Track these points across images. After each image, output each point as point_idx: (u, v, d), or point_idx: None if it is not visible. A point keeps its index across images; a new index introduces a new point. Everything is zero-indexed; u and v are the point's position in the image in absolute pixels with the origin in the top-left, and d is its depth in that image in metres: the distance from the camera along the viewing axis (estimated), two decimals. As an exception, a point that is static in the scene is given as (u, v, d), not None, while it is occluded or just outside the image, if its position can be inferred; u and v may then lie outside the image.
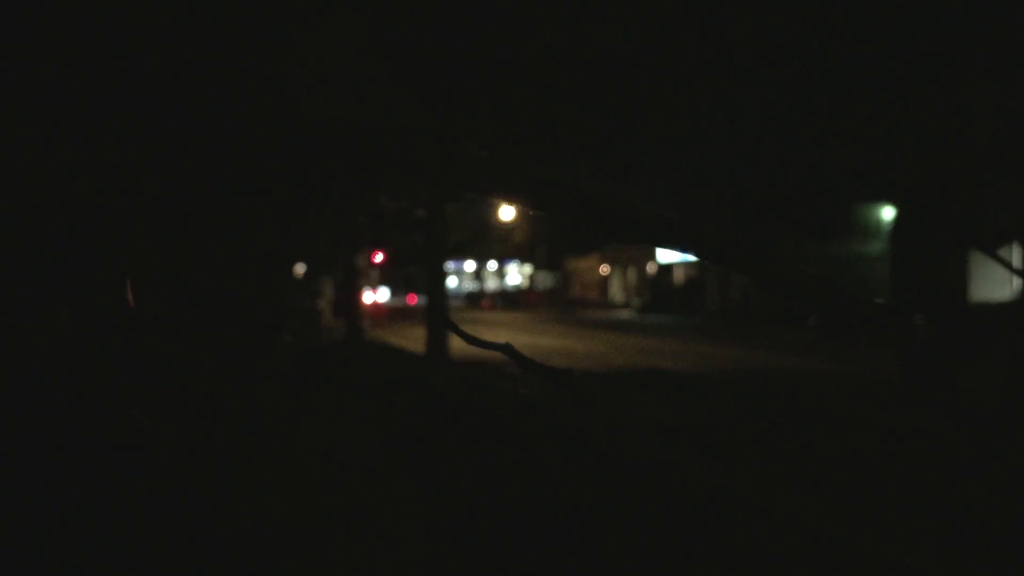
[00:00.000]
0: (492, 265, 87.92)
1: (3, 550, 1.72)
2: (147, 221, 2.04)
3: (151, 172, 2.10)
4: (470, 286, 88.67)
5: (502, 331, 34.35)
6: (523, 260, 78.23)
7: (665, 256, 56.30)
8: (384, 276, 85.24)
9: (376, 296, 69.03)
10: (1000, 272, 31.13)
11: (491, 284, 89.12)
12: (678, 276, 55.70)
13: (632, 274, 64.56)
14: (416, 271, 43.02)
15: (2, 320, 1.77)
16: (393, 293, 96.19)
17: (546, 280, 79.09)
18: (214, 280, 2.66)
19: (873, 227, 38.74)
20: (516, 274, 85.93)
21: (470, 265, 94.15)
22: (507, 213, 60.90)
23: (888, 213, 37.33)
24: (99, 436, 1.89)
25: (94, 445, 1.88)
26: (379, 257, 33.91)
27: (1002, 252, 31.11)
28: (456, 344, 19.03)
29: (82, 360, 1.89)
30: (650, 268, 59.70)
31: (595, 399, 2.01)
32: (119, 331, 1.95)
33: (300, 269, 29.73)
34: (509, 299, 71.88)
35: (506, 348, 1.71)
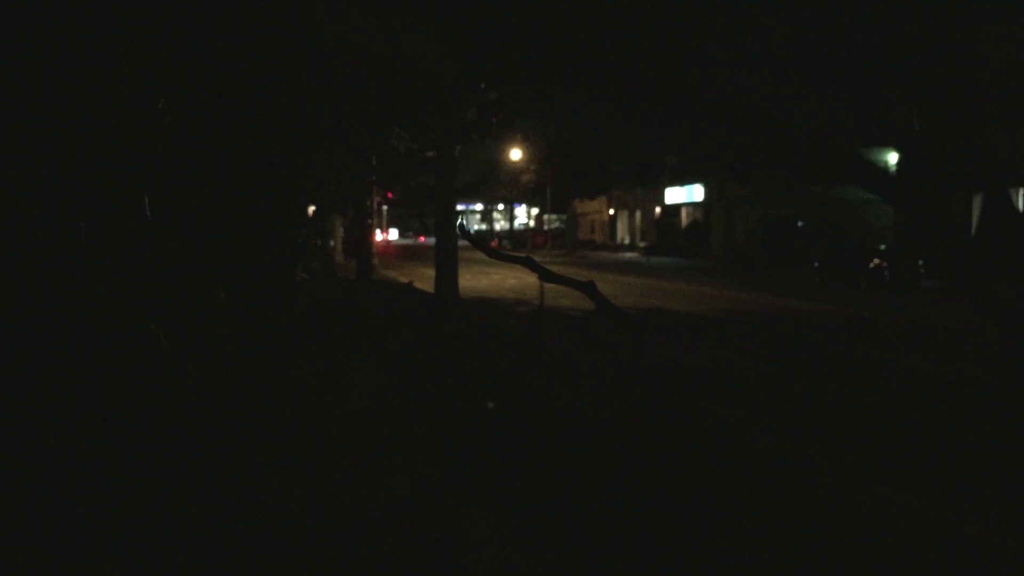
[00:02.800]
0: (500, 207, 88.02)
1: (25, 451, 1.77)
2: (164, 141, 2.15)
3: (169, 92, 2.16)
4: (478, 227, 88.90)
5: (509, 271, 34.70)
6: (531, 202, 78.24)
7: (672, 198, 56.44)
8: (395, 216, 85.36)
9: (386, 236, 69.26)
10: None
11: (499, 225, 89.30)
12: (684, 219, 55.88)
13: (639, 217, 64.72)
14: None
15: (22, 229, 1.80)
16: (402, 233, 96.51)
17: (554, 222, 79.25)
18: (229, 205, 2.81)
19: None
20: (524, 216, 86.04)
21: (478, 206, 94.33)
22: (515, 155, 60.92)
23: (893, 157, 37.39)
24: (118, 349, 1.95)
25: (114, 358, 1.94)
26: (389, 197, 34.16)
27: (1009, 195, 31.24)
28: (464, 284, 19.43)
29: (100, 272, 1.93)
30: (656, 211, 59.86)
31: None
32: (137, 244, 2.02)
33: (311, 208, 29.99)
34: (517, 240, 72.24)
35: (588, 286, 1.86)
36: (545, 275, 1.82)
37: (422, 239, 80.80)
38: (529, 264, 1.89)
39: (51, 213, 1.85)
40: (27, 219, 1.82)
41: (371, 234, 28.27)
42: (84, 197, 1.89)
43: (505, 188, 73.17)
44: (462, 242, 14.81)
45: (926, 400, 9.90)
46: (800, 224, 42.41)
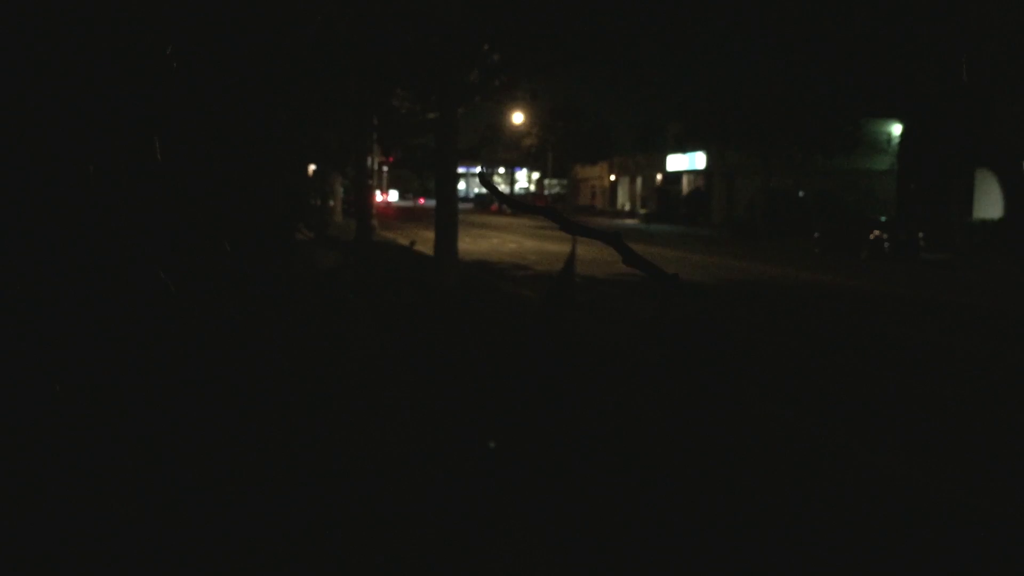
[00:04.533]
0: (501, 170, 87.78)
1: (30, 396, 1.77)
2: (171, 86, 2.12)
3: (176, 41, 2.14)
4: (478, 191, 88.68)
5: (509, 235, 34.67)
6: (532, 167, 78.05)
7: (673, 166, 56.29)
8: (395, 178, 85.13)
9: (386, 197, 69.13)
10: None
11: (500, 188, 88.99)
12: (685, 187, 55.75)
13: (639, 183, 64.56)
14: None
15: (31, 169, 1.79)
16: (402, 195, 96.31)
17: (554, 187, 79.07)
18: (231, 158, 2.79)
19: (882, 142, 38.70)
20: (525, 180, 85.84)
21: (479, 170, 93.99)
22: (518, 119, 60.66)
23: (896, 129, 37.24)
24: (124, 292, 1.95)
25: (119, 301, 1.94)
26: (389, 158, 34.00)
27: (1012, 169, 31.15)
28: (463, 247, 19.41)
29: (108, 213, 1.92)
30: (658, 178, 59.70)
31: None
32: (146, 188, 2.01)
33: (311, 167, 29.92)
34: (516, 204, 71.95)
35: (615, 237, 1.82)
36: (567, 225, 1.78)
37: (422, 201, 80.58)
38: (550, 214, 1.85)
39: (61, 152, 1.84)
40: (36, 157, 1.81)
41: (371, 195, 28.18)
42: (94, 137, 1.88)
43: (506, 152, 72.96)
44: (462, 205, 14.77)
45: (920, 371, 9.91)
46: (801, 194, 42.33)
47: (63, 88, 1.84)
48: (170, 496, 1.97)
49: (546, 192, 76.54)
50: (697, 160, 52.32)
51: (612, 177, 69.55)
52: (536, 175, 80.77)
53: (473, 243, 28.29)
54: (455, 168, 17.01)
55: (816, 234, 30.99)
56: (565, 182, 77.90)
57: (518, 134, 67.65)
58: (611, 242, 1.70)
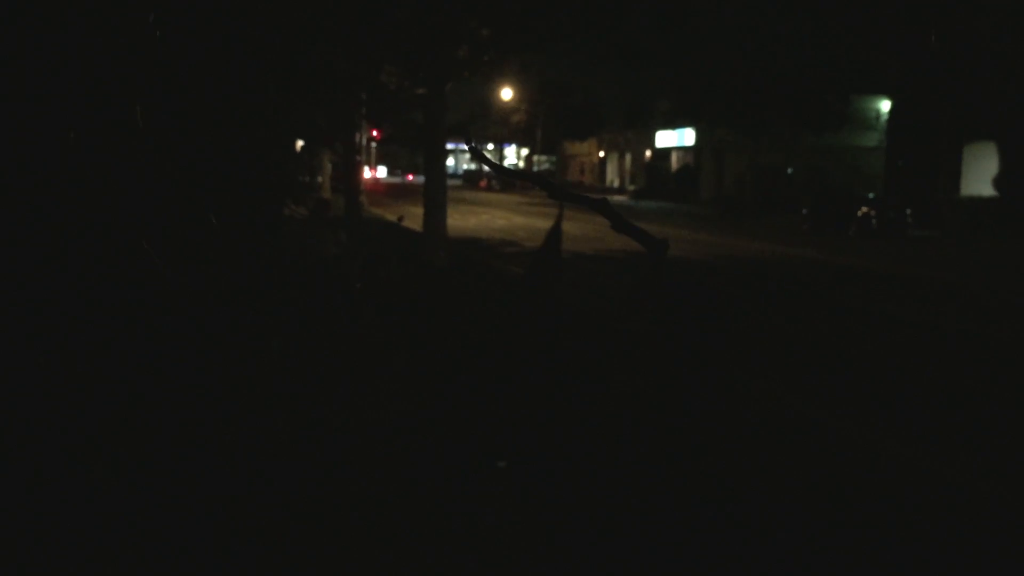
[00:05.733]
0: (490, 147, 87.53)
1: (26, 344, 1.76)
2: (154, 54, 2.11)
3: (158, 8, 2.12)
4: (466, 167, 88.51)
5: (498, 211, 34.63)
6: (521, 143, 77.87)
7: (662, 142, 56.23)
8: (384, 154, 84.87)
9: (374, 173, 68.96)
10: (993, 167, 31.35)
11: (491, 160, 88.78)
12: (674, 163, 55.72)
13: (628, 160, 64.50)
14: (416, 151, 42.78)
15: (15, 137, 1.76)
16: (390, 172, 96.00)
17: (543, 163, 78.94)
18: (218, 128, 2.77)
19: (870, 119, 38.73)
20: (514, 157, 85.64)
21: (471, 143, 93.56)
22: (506, 95, 60.46)
23: (885, 105, 37.27)
24: (109, 263, 1.92)
25: (104, 272, 1.91)
26: (378, 133, 33.89)
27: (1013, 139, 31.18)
28: (452, 223, 19.38)
29: (92, 182, 1.90)
30: (647, 154, 59.65)
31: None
32: (129, 157, 1.97)
33: (299, 143, 29.80)
34: (506, 181, 72.03)
35: (602, 203, 1.79)
36: (553, 191, 1.79)
37: (410, 177, 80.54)
38: (537, 180, 1.86)
39: (42, 120, 1.83)
40: (16, 124, 1.80)
41: (359, 171, 28.06)
42: (74, 104, 1.87)
43: (495, 128, 72.75)
44: (451, 181, 14.74)
45: (902, 349, 9.99)
46: (790, 171, 42.36)
47: (42, 54, 1.82)
48: (159, 488, 1.96)
49: (535, 168, 76.41)
50: (686, 137, 52.27)
51: (601, 153, 69.45)
52: (525, 151, 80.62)
53: (462, 219, 28.24)
54: (444, 144, 16.99)
55: (804, 211, 31.04)
56: (554, 158, 77.78)
57: (507, 110, 67.46)
58: (599, 208, 1.70)
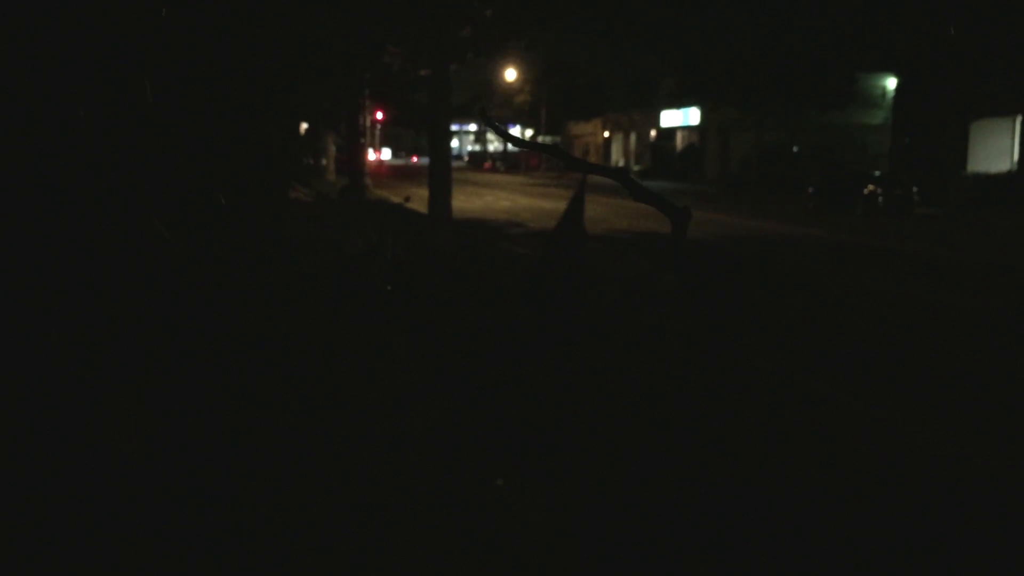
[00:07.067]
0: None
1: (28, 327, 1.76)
2: (161, 32, 2.09)
3: None
4: (471, 148, 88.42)
5: (503, 193, 34.57)
6: (525, 123, 77.68)
7: (667, 122, 56.06)
8: (388, 136, 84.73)
9: (379, 155, 68.84)
10: (1000, 143, 31.21)
11: (492, 147, 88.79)
12: (679, 143, 55.55)
13: (633, 140, 64.32)
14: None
15: (20, 114, 1.76)
16: (395, 153, 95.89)
17: (548, 144, 78.75)
18: (224, 108, 2.75)
19: (876, 97, 38.55)
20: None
21: (472, 127, 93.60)
22: (510, 75, 60.28)
23: (891, 83, 37.07)
24: (118, 237, 1.91)
25: (113, 246, 1.91)
26: (382, 116, 33.82)
27: (1005, 123, 31.07)
28: (457, 205, 19.35)
29: (101, 157, 1.89)
30: (652, 134, 59.48)
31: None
32: (138, 133, 1.97)
33: (303, 126, 29.73)
34: (510, 162, 71.95)
35: (621, 172, 1.79)
36: (572, 163, 1.79)
37: (415, 159, 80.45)
38: (556, 152, 1.85)
39: (52, 95, 1.82)
40: (26, 97, 1.79)
41: (364, 153, 28.02)
42: (83, 78, 1.86)
43: (499, 109, 72.54)
44: (455, 163, 14.71)
45: (909, 328, 9.96)
46: (795, 149, 42.21)
47: (53, 31, 1.81)
48: (161, 488, 1.93)
49: (540, 149, 76.17)
50: (691, 116, 52.08)
51: (606, 133, 69.26)
52: (529, 132, 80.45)
53: (467, 201, 28.21)
54: (448, 125, 16.93)
55: (810, 189, 30.92)
56: (559, 139, 77.59)
57: (511, 91, 67.27)
58: (618, 178, 1.70)
